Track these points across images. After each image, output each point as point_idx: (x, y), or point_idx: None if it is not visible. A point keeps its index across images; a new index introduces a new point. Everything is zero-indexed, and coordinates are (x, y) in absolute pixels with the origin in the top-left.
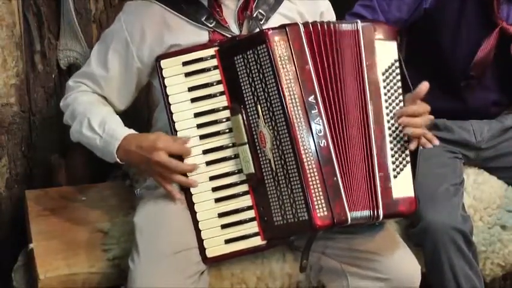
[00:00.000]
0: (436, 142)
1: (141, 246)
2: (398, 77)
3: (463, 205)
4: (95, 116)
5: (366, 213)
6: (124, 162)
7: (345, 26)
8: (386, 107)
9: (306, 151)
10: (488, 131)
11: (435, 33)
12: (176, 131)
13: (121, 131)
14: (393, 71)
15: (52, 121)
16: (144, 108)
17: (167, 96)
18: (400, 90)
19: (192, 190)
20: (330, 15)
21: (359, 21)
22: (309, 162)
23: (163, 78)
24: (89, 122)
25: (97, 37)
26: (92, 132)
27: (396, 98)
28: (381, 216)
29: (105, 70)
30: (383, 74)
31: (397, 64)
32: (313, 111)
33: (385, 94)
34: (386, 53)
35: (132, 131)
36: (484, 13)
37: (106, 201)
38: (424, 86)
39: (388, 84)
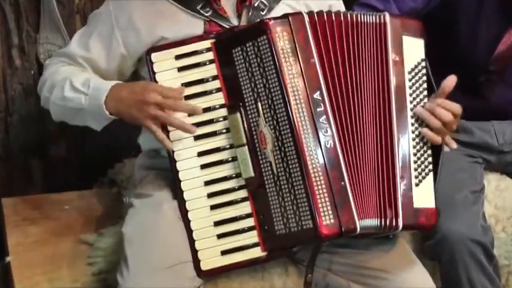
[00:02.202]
0: (454, 145)
1: (130, 259)
2: (425, 78)
3: (483, 214)
4: (78, 78)
5: (377, 221)
6: (114, 114)
7: (370, 18)
8: (411, 109)
9: (311, 152)
10: (511, 132)
11: (452, 24)
12: (168, 131)
13: (107, 82)
14: (419, 71)
15: (31, 121)
16: None
17: None
18: (425, 92)
19: (186, 196)
20: (339, 8)
21: (387, 13)
22: (314, 165)
23: (154, 73)
24: (71, 83)
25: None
26: (75, 92)
27: (421, 100)
28: (400, 226)
29: (87, 51)
30: (409, 73)
31: (423, 64)
32: (318, 109)
33: (410, 95)
34: (413, 50)
35: (117, 81)
36: (506, 2)
37: (91, 209)
38: (450, 82)
39: (413, 85)
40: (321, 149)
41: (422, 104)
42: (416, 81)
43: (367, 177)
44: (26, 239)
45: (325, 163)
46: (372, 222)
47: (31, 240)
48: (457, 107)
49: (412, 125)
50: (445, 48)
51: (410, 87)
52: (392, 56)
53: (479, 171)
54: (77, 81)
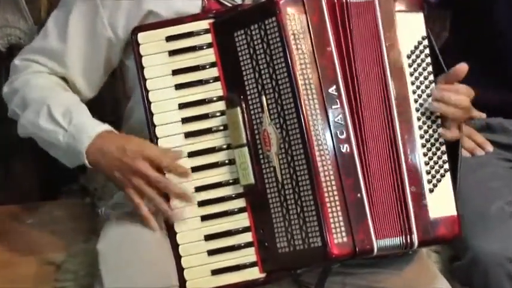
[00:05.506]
0: (490, 148)
1: (106, 281)
2: (428, 60)
3: None
4: (57, 103)
5: (397, 241)
6: (93, 165)
7: None
8: (416, 100)
9: (323, 157)
10: None
11: (487, 7)
12: (155, 126)
13: (94, 124)
14: (421, 52)
15: None
16: (108, 98)
17: (144, 80)
18: (431, 77)
19: (173, 204)
20: None
21: None
22: (327, 172)
23: (140, 56)
24: (49, 110)
25: (47, 10)
26: (53, 124)
27: (427, 87)
28: (416, 243)
29: (65, 39)
30: (408, 57)
31: (425, 42)
32: (334, 106)
33: (413, 83)
34: (411, 28)
35: (107, 127)
36: None
37: (59, 224)
38: (463, 67)
39: (415, 71)
40: (335, 154)
41: (428, 91)
42: (419, 65)
43: (383, 188)
44: None
45: (339, 170)
46: (391, 241)
47: None
48: (470, 89)
49: (419, 119)
50: (478, 38)
51: (411, 74)
52: (384, 40)
53: None
54: (56, 108)
